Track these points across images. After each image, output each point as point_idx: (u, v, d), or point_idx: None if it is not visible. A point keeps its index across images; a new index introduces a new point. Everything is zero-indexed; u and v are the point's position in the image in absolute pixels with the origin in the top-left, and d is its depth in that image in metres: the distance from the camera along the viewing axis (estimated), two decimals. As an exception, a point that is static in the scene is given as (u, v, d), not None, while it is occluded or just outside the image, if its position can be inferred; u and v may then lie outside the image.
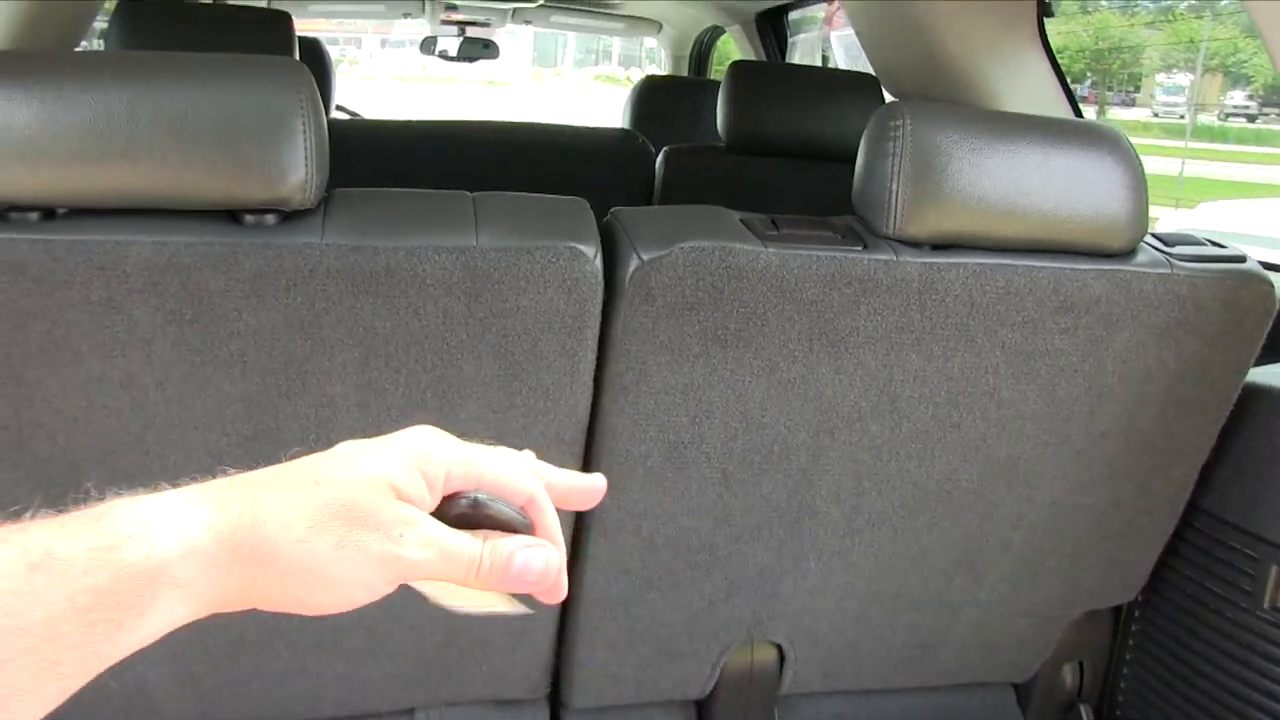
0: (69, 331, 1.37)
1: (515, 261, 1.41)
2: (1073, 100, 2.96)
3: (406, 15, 5.95)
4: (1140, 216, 1.61)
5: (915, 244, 1.55)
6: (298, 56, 2.86)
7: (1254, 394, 1.83)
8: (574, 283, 1.43)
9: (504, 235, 1.42)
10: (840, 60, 4.12)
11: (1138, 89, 26.13)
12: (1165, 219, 9.00)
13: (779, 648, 1.91)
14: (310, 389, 1.45)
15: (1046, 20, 2.98)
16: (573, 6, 5.27)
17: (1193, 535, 1.95)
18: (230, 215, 1.38)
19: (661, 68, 6.18)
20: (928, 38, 2.99)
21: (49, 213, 1.35)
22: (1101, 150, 1.61)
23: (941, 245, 1.56)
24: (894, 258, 1.52)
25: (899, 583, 1.84)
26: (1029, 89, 2.89)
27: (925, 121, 1.54)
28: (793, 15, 4.68)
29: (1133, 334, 1.65)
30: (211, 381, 1.42)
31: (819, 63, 4.84)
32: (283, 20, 2.84)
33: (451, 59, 6.17)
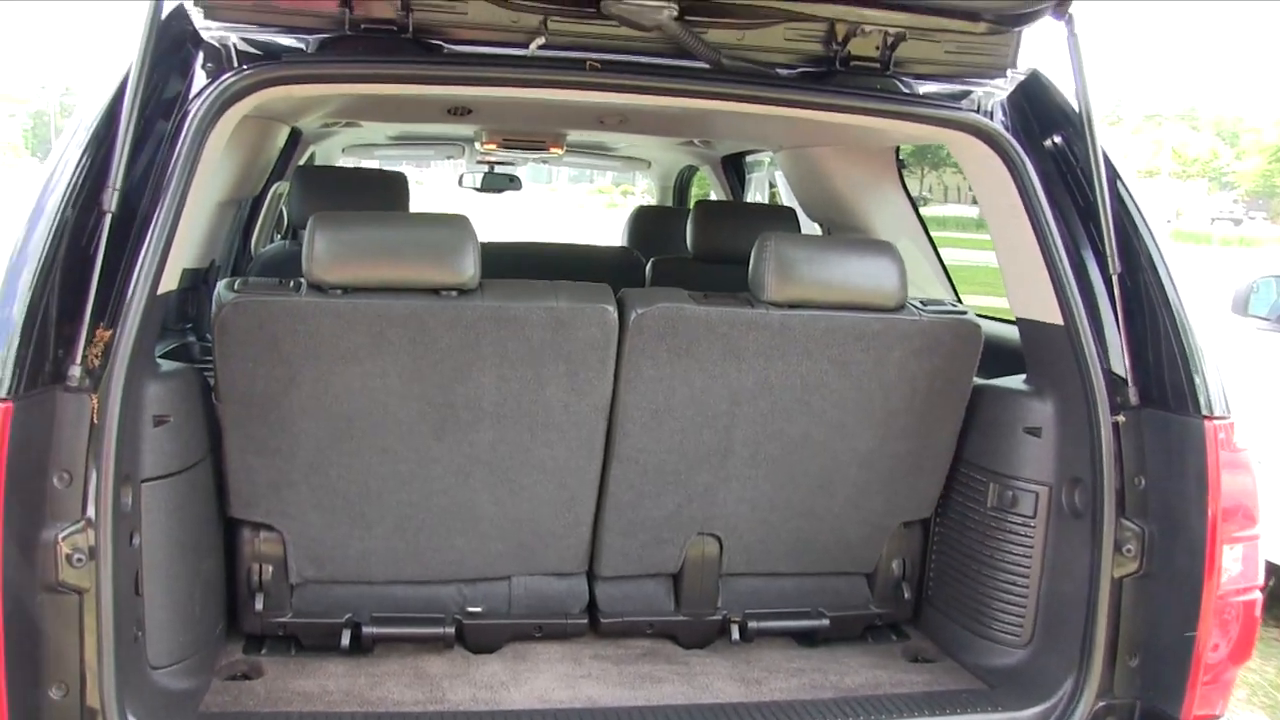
0: (356, 347, 2.83)
1: (577, 313, 2.89)
2: (921, 219, 4.45)
3: (450, 157, 7.52)
4: (901, 290, 3.09)
5: (778, 305, 3.02)
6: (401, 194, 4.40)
7: (981, 391, 3.30)
8: (604, 325, 2.92)
9: (572, 301, 2.91)
10: (783, 191, 5.65)
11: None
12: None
13: (719, 539, 3.33)
14: (470, 379, 2.91)
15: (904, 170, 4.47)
16: (582, 151, 6.83)
17: (958, 474, 3.39)
18: (434, 292, 2.85)
19: (651, 194, 7.80)
20: (824, 179, 4.53)
21: (346, 290, 2.81)
22: (880, 256, 3.11)
23: (792, 305, 3.03)
24: (766, 311, 3.00)
25: (784, 498, 3.27)
26: (890, 214, 4.40)
27: (782, 243, 3.04)
28: (749, 158, 6.26)
29: (902, 353, 3.11)
30: (422, 373, 2.88)
31: (768, 192, 6.41)
32: (401, 178, 4.40)
33: (478, 189, 7.68)
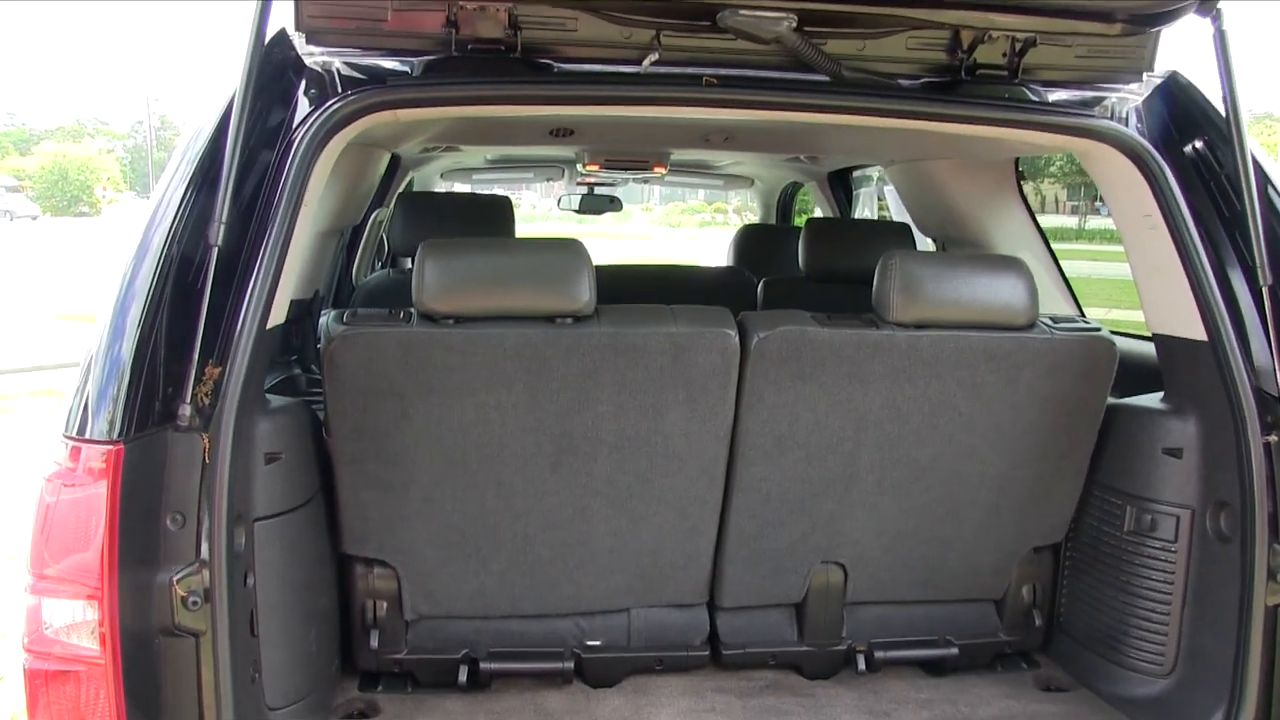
0: (470, 378, 2.75)
1: (696, 338, 2.78)
2: (1042, 233, 4.28)
3: (549, 180, 7.48)
4: (1032, 307, 2.93)
5: (904, 325, 2.88)
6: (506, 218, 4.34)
7: (1116, 410, 3.13)
8: (724, 350, 2.80)
9: (690, 325, 2.79)
10: (891, 206, 5.50)
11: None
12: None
13: (844, 567, 3.20)
14: (588, 409, 2.81)
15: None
16: (684, 170, 6.74)
17: (1092, 497, 3.23)
18: (548, 319, 2.76)
19: (752, 212, 7.68)
20: (941, 193, 4.38)
21: (458, 319, 2.73)
22: (1009, 272, 2.96)
23: (919, 325, 2.89)
24: (892, 333, 2.86)
25: (912, 525, 3.13)
26: (1010, 228, 4.24)
27: (907, 261, 2.91)
28: (856, 173, 6.12)
29: (1033, 373, 2.95)
30: (538, 403, 2.79)
31: (875, 208, 6.26)
32: (505, 201, 4.34)
33: (577, 211, 7.64)
